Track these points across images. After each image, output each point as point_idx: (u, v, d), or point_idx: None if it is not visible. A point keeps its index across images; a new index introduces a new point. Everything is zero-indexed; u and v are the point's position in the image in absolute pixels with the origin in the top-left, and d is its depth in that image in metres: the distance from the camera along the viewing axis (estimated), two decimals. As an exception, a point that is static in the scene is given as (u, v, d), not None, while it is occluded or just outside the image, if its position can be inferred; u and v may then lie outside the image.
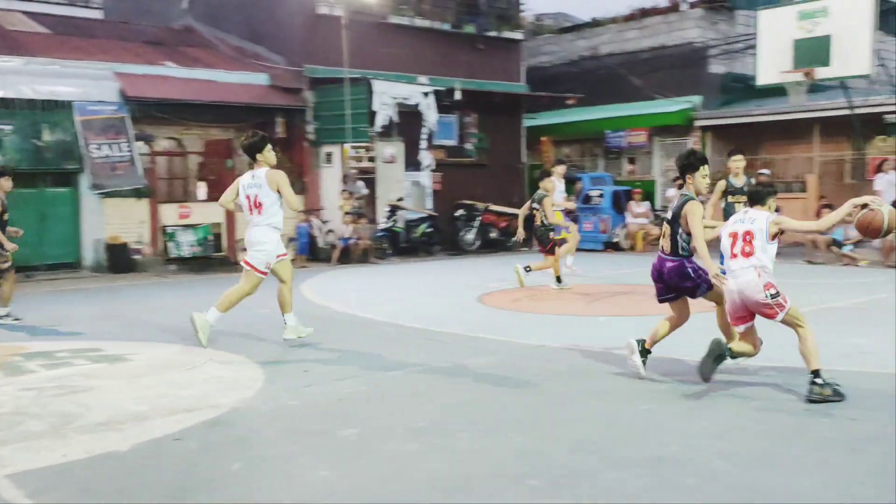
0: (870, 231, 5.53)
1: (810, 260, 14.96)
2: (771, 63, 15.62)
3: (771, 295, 5.53)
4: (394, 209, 17.43)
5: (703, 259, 5.85)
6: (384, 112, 17.00)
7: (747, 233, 5.68)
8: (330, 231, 17.20)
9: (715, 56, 21.80)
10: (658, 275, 6.24)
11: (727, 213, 10.17)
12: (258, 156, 7.59)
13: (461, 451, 4.63)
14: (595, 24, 24.56)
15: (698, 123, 21.26)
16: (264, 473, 4.32)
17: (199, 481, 4.22)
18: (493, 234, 18.70)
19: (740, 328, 5.82)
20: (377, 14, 18.06)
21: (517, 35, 20.75)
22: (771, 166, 19.50)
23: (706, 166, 6.18)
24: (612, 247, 18.18)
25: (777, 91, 16.89)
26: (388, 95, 17.11)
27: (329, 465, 4.40)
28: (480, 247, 18.48)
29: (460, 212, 18.68)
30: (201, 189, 16.48)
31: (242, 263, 7.68)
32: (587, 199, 18.94)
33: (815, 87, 17.72)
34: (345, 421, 5.23)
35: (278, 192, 7.47)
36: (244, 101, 16.66)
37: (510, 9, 20.69)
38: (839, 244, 14.74)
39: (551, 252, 11.47)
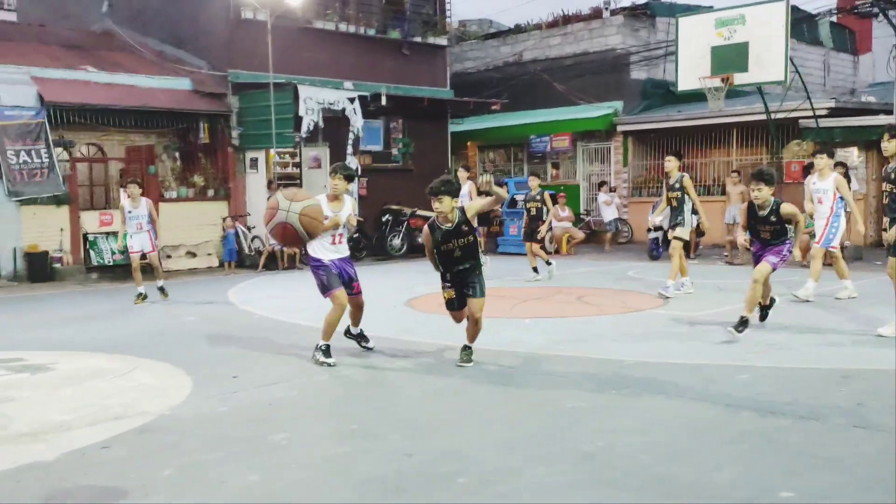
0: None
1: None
2: (690, 69, 16.00)
3: None
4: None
5: None
6: (309, 117, 16.89)
7: None
8: (255, 237, 17.03)
9: (636, 62, 22.36)
10: None
11: None
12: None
13: (392, 452, 4.69)
14: (519, 30, 24.90)
15: (620, 129, 21.79)
16: (195, 479, 4.30)
17: (128, 488, 4.18)
18: (420, 239, 18.65)
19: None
20: (302, 19, 17.98)
21: (442, 41, 20.91)
22: (691, 170, 20.10)
23: None
24: (538, 250, 18.36)
25: (696, 97, 17.35)
26: (313, 100, 17.01)
27: (260, 470, 4.40)
28: (407, 251, 18.53)
29: (387, 217, 18.70)
30: (123, 196, 16.04)
31: None
32: (513, 203, 19.18)
33: (733, 93, 18.29)
34: (275, 426, 5.23)
35: None
36: (166, 107, 16.37)
37: (435, 15, 20.84)
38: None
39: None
